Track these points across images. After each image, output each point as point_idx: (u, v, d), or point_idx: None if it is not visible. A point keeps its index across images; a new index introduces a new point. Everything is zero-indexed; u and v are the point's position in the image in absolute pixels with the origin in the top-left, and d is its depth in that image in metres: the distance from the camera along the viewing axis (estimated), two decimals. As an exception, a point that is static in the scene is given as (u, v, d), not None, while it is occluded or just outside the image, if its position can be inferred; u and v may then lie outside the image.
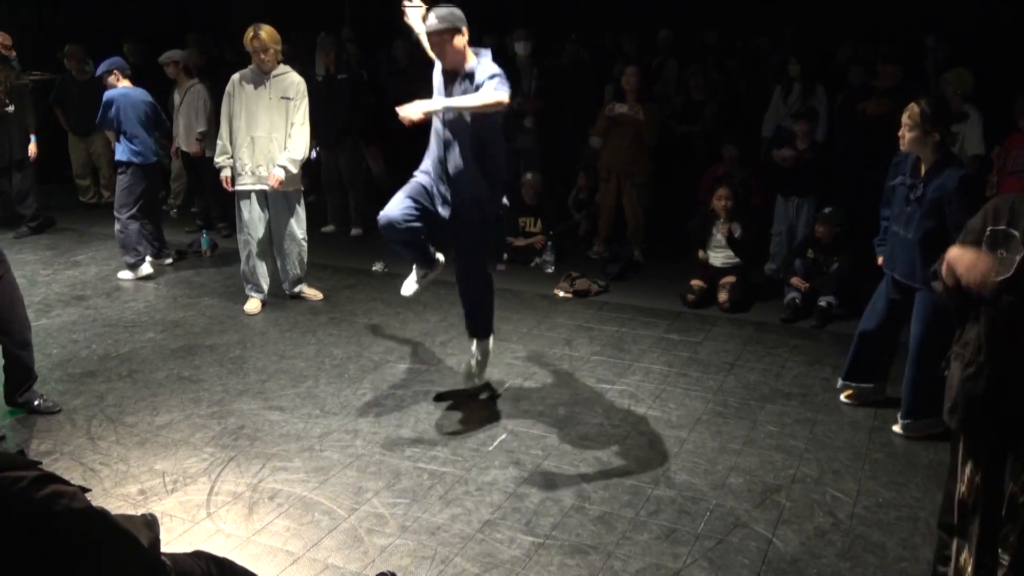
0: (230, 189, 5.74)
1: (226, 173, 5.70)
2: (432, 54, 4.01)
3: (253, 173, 5.65)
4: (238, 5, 9.57)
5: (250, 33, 5.53)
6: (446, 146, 4.01)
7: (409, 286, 4.39)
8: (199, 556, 2.23)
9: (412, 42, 8.72)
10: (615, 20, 9.18)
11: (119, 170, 6.55)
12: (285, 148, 5.66)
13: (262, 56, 5.53)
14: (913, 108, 3.90)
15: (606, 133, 6.94)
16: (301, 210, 5.94)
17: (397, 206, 4.01)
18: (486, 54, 3.98)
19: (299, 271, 6.06)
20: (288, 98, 5.65)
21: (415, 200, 4.04)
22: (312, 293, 6.16)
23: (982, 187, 4.08)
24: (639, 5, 9.30)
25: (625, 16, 9.23)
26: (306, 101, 5.73)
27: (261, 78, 5.61)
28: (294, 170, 5.68)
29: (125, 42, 9.12)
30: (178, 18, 10.53)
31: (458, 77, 3.94)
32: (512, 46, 7.92)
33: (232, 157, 5.68)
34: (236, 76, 5.65)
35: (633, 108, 6.65)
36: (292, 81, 5.69)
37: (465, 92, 3.89)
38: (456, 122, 3.95)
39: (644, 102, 6.71)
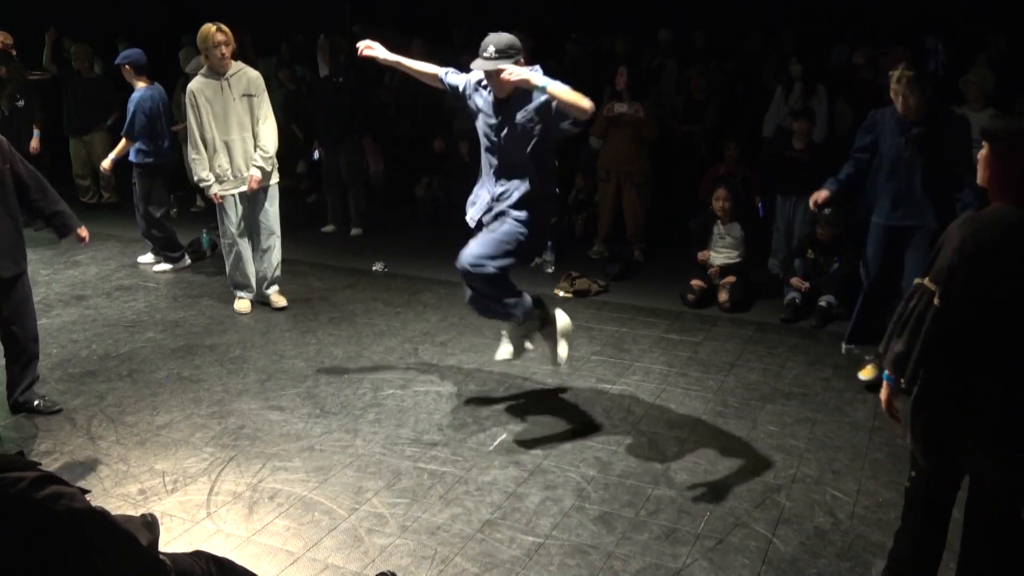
0: (218, 201, 5.62)
1: (215, 189, 5.55)
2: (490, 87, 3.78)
3: (236, 176, 5.60)
4: (238, 5, 9.57)
5: (212, 28, 5.38)
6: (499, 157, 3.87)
7: (504, 350, 4.21)
8: (199, 556, 2.23)
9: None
10: (615, 21, 9.18)
11: (139, 171, 6.56)
12: (256, 146, 5.62)
13: (224, 51, 5.38)
14: (905, 73, 4.31)
15: (605, 134, 6.94)
16: (276, 205, 5.86)
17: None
18: (537, 69, 3.69)
19: (277, 271, 5.94)
20: (250, 95, 5.57)
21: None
22: (278, 299, 5.93)
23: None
24: (639, 6, 9.30)
25: (625, 17, 9.23)
26: (267, 95, 5.68)
27: (218, 80, 5.47)
28: (268, 167, 5.65)
29: (121, 41, 9.15)
30: (176, 17, 10.52)
31: (511, 101, 3.74)
32: None
33: (211, 169, 5.54)
34: (192, 86, 5.47)
35: (632, 106, 6.65)
36: (250, 77, 5.59)
37: (514, 122, 3.73)
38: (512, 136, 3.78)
39: (641, 100, 6.70)
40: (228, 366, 4.95)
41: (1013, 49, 7.15)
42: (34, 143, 7.79)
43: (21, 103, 7.64)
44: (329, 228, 8.08)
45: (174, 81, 8.57)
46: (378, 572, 3.03)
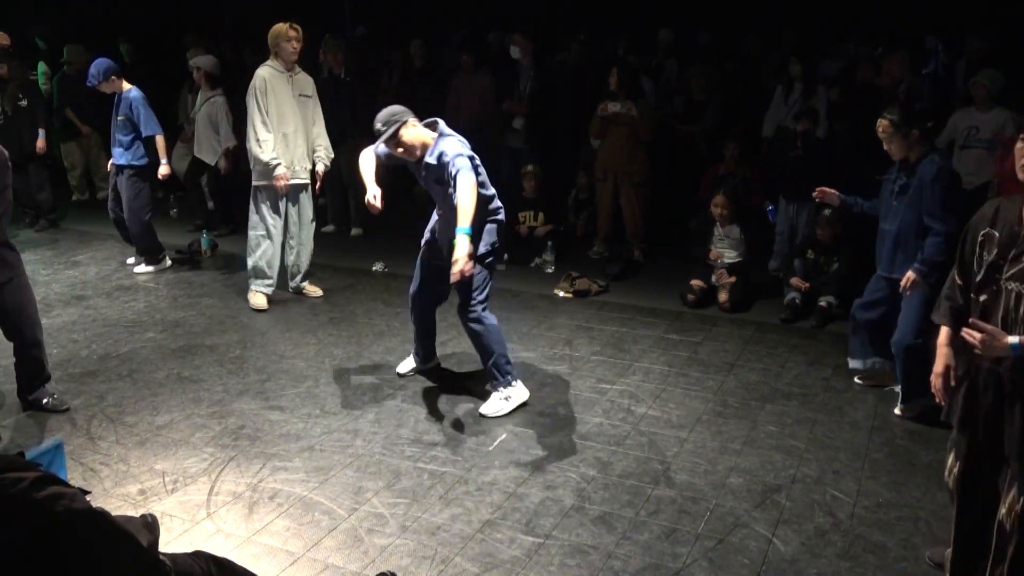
0: (285, 185, 5.65)
1: (281, 170, 5.60)
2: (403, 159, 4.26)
3: (288, 168, 5.72)
4: (239, 4, 9.56)
5: (285, 25, 5.57)
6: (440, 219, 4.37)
7: (406, 364, 4.84)
8: (199, 556, 2.23)
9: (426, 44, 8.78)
10: (616, 21, 9.17)
11: (129, 173, 6.47)
12: (307, 145, 5.84)
13: (295, 45, 5.59)
14: (882, 122, 4.16)
15: (601, 134, 6.93)
16: (311, 200, 6.09)
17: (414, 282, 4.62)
18: (442, 138, 4.16)
19: (309, 264, 6.16)
20: (307, 95, 5.81)
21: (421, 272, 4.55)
22: (313, 290, 6.21)
23: (958, 178, 4.31)
24: (639, 6, 9.30)
25: (625, 17, 9.23)
26: (318, 97, 5.96)
27: (284, 76, 5.65)
28: (329, 164, 6.09)
29: (121, 41, 9.15)
30: (177, 17, 10.53)
31: (420, 165, 4.22)
32: (510, 47, 7.93)
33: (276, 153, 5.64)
34: (265, 73, 5.59)
35: (625, 105, 6.64)
36: (308, 79, 5.86)
37: (429, 177, 4.21)
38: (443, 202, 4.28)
39: (635, 99, 6.69)
40: (228, 366, 4.95)
41: (1011, 48, 7.13)
42: (40, 143, 7.80)
43: (24, 103, 7.66)
44: (329, 228, 8.08)
45: (175, 81, 8.59)
46: (378, 572, 3.03)
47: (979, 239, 2.64)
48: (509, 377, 4.36)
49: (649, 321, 5.72)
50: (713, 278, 6.09)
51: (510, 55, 8.07)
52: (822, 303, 5.69)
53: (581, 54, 8.06)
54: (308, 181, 5.93)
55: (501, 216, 4.35)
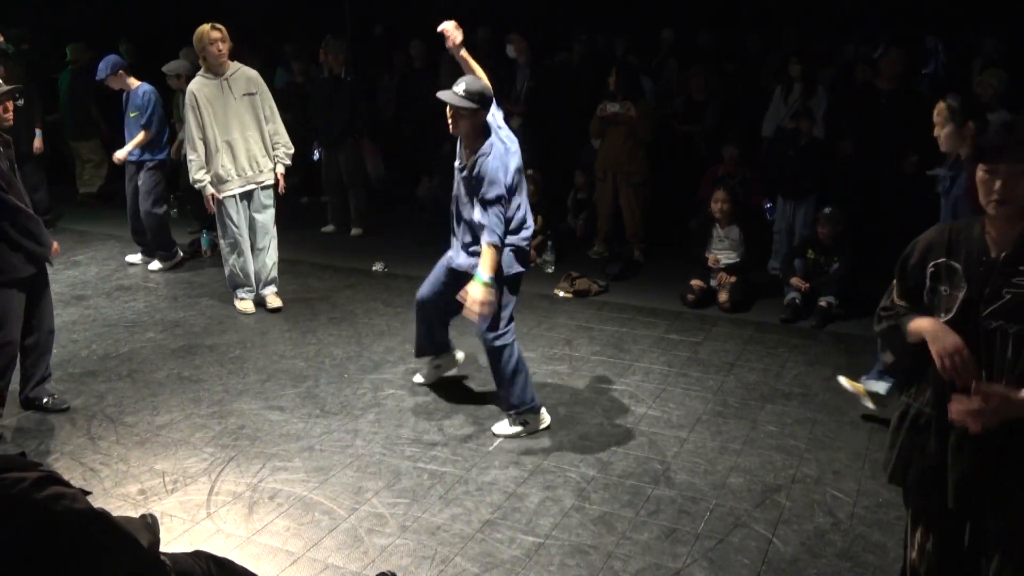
0: (212, 206, 5.56)
1: (209, 191, 5.51)
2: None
3: (240, 175, 5.60)
4: (239, 4, 9.56)
5: (207, 27, 5.38)
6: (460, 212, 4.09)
7: (420, 375, 4.72)
8: (199, 556, 2.23)
9: (426, 44, 8.76)
10: (617, 21, 9.17)
11: (148, 167, 6.58)
12: (263, 143, 5.65)
13: (220, 47, 5.37)
14: (940, 105, 3.83)
15: (601, 134, 6.93)
16: (273, 204, 5.87)
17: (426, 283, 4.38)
18: (493, 147, 3.82)
19: (273, 271, 5.93)
20: (251, 93, 5.58)
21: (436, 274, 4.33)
22: (273, 300, 5.90)
23: None
24: (640, 5, 9.30)
25: (626, 17, 9.23)
26: (268, 92, 5.72)
27: (217, 81, 5.46)
28: (290, 164, 5.86)
29: (121, 41, 9.16)
30: (177, 17, 10.52)
31: (468, 161, 3.87)
32: (507, 48, 7.93)
33: (209, 171, 5.50)
34: (193, 87, 5.44)
35: (624, 106, 6.64)
36: (249, 76, 5.60)
37: (469, 183, 3.89)
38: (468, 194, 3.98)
39: (635, 99, 6.69)
40: (228, 366, 4.95)
41: (1013, 49, 7.13)
42: (37, 143, 7.80)
43: (21, 103, 7.66)
44: (329, 228, 8.08)
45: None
46: (378, 572, 3.03)
47: (929, 269, 2.30)
48: (531, 403, 4.10)
49: (649, 321, 5.72)
50: (713, 282, 6.08)
51: (506, 54, 8.06)
52: (822, 303, 5.69)
53: (582, 54, 8.05)
54: (269, 182, 5.72)
55: (527, 236, 4.06)
